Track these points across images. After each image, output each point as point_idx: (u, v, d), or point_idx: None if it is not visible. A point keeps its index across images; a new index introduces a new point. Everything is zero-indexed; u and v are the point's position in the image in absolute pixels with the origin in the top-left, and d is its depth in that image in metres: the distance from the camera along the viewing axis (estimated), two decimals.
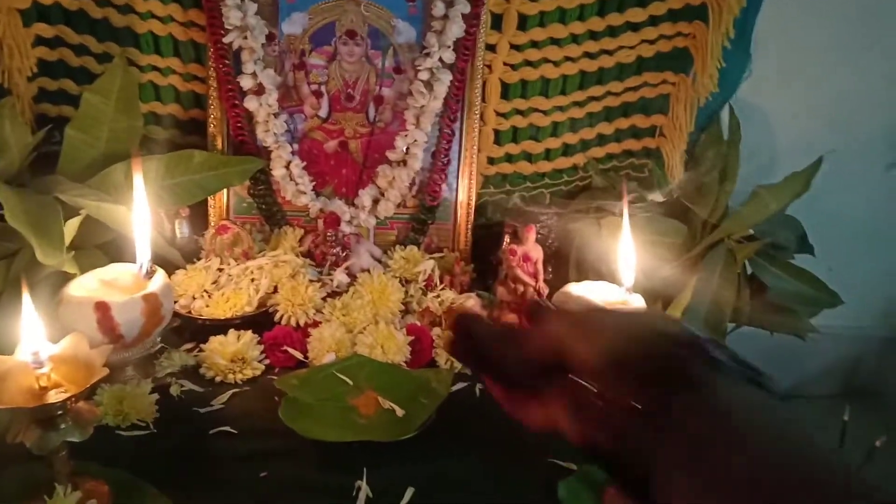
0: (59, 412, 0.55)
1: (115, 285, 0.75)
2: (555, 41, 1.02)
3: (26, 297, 0.55)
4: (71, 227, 0.78)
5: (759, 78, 1.13)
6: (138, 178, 0.74)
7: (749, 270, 1.04)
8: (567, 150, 1.12)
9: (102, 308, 0.69)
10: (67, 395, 0.54)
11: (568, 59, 1.03)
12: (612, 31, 1.02)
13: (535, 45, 1.02)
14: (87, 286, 0.73)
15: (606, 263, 0.97)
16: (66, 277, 0.76)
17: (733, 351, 0.36)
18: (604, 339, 0.38)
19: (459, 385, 0.81)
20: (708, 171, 1.07)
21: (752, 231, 0.99)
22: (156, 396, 0.73)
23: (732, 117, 1.11)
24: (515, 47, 1.02)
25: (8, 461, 0.62)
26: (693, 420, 0.33)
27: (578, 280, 0.96)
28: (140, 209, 0.74)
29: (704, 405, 0.34)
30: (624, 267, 0.78)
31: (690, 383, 0.34)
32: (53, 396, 0.54)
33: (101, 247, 0.85)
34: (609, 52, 1.04)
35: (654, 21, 1.02)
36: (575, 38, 1.02)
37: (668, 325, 0.38)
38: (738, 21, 1.01)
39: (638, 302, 0.80)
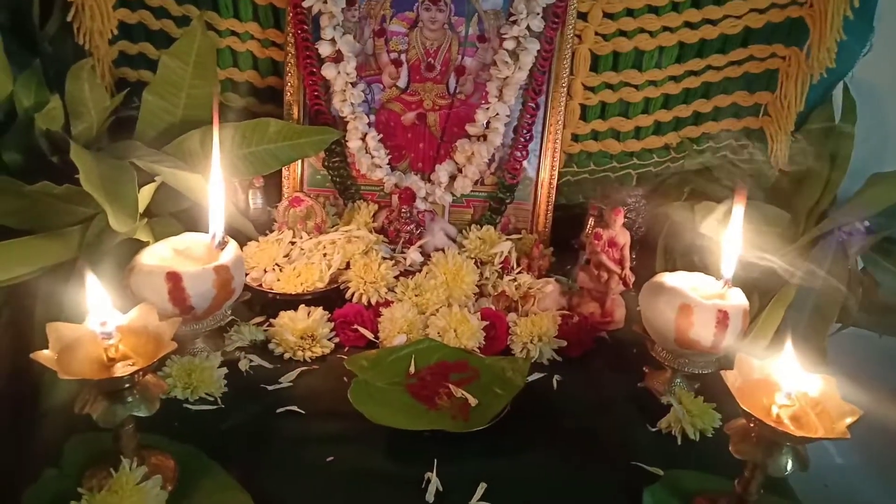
0: (127, 385, 0.53)
1: (188, 255, 0.73)
2: (652, 9, 0.95)
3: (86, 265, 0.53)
4: (146, 194, 0.77)
5: (877, 54, 1.02)
6: (216, 143, 0.71)
7: (860, 265, 0.94)
8: (659, 129, 1.05)
9: (174, 278, 0.67)
10: (135, 368, 0.52)
11: (666, 28, 0.96)
12: None
13: (630, 13, 0.95)
14: (159, 255, 0.71)
15: (700, 253, 0.90)
16: (140, 246, 0.75)
17: None
18: None
19: (536, 375, 0.78)
20: (817, 156, 0.97)
21: (867, 223, 0.90)
22: (224, 370, 0.71)
23: (847, 97, 1.01)
24: (609, 16, 0.95)
25: (75, 430, 0.61)
26: None
27: (665, 269, 0.89)
28: (216, 176, 0.71)
29: None
30: (727, 259, 0.71)
31: None
32: (121, 369, 0.53)
33: (175, 215, 0.84)
34: (713, 22, 0.95)
35: None
36: (675, 6, 0.95)
37: None
38: None
39: (737, 296, 0.73)
